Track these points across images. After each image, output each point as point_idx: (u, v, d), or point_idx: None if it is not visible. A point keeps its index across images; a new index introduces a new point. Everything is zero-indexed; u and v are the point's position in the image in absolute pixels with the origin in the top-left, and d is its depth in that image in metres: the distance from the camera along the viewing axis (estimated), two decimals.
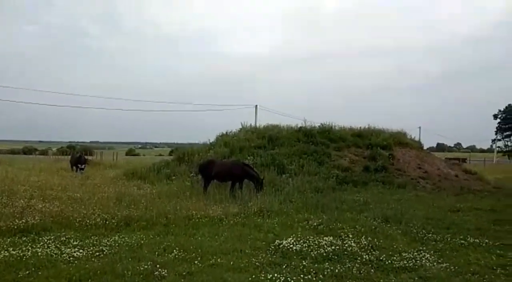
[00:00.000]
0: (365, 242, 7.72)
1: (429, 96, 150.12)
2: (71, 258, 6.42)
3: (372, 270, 6.30)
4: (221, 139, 21.50)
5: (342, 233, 8.51)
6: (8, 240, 7.49)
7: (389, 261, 6.65)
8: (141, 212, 9.83)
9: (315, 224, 9.51)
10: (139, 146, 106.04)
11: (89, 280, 5.53)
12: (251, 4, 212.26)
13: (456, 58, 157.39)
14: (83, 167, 21.36)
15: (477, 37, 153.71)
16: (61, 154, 43.67)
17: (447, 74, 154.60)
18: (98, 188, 14.07)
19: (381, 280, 5.89)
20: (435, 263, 6.69)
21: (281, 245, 7.37)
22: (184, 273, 5.87)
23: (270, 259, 6.71)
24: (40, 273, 5.75)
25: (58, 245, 7.15)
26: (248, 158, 17.97)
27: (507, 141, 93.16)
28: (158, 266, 6.02)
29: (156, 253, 6.86)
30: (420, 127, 55.36)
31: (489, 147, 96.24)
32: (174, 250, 6.90)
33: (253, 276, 5.77)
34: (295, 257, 6.85)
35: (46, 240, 7.43)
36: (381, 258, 6.82)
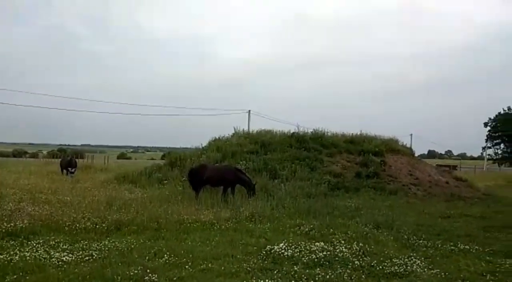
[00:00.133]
0: (356, 248, 7.73)
1: (421, 103, 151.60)
2: (60, 263, 6.34)
3: (363, 276, 6.32)
4: (214, 144, 21.47)
5: (333, 239, 8.52)
6: None
7: (380, 267, 6.67)
8: (132, 216, 9.74)
9: (306, 229, 9.51)
10: (131, 149, 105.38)
11: None
12: (244, 9, 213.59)
13: (449, 66, 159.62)
14: (73, 170, 21.15)
15: (469, 45, 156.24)
16: (52, 157, 43.20)
17: (439, 82, 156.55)
18: (88, 192, 13.94)
19: None
20: (425, 269, 6.73)
21: (272, 251, 7.35)
22: (174, 278, 5.83)
23: (261, 264, 6.69)
24: (28, 277, 5.67)
25: (47, 249, 7.06)
26: (241, 162, 17.95)
27: (497, 149, 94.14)
28: (148, 271, 5.96)
29: (147, 257, 6.80)
30: (411, 135, 55.84)
31: (479, 154, 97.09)
32: (165, 255, 6.85)
33: None
34: (286, 262, 6.84)
35: (34, 244, 7.33)
36: (372, 264, 6.84)
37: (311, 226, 9.77)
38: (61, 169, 22.45)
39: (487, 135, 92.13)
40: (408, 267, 6.71)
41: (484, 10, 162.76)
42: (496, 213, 13.81)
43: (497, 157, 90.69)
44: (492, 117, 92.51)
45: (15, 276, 5.66)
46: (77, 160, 24.71)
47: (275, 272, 6.27)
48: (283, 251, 7.32)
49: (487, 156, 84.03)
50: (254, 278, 5.96)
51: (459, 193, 18.44)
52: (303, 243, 7.95)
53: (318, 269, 6.49)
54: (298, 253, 7.24)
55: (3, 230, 8.06)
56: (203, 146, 21.90)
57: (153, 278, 5.73)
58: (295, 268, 6.46)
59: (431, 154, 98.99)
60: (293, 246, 7.62)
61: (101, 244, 7.52)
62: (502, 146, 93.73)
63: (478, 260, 7.47)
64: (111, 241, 7.78)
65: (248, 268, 6.41)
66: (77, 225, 8.78)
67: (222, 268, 6.34)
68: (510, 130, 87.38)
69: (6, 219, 8.80)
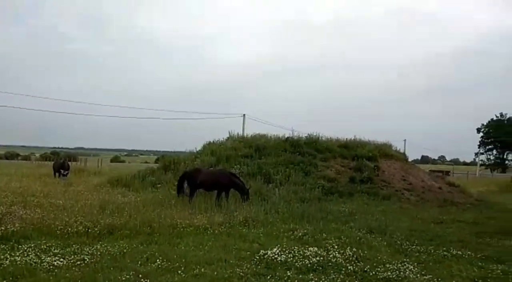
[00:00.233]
0: (349, 253, 7.74)
1: (415, 109, 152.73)
2: (51, 267, 6.27)
3: (356, 281, 6.32)
4: (208, 147, 21.42)
5: (327, 244, 8.53)
6: None
7: (373, 272, 6.67)
8: (125, 220, 9.68)
9: (300, 234, 9.50)
10: (125, 153, 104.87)
11: None
12: (240, 13, 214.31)
13: (443, 73, 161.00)
14: (66, 172, 21.00)
15: (463, 52, 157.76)
16: (45, 159, 42.94)
17: (433, 88, 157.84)
18: (81, 195, 13.84)
19: None
20: (418, 275, 6.74)
21: (266, 255, 7.34)
22: None
23: (254, 269, 6.67)
24: None
25: (38, 253, 6.98)
26: (235, 166, 17.93)
27: (490, 155, 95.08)
28: (140, 276, 5.91)
29: (139, 262, 6.76)
30: (405, 140, 56.01)
31: (472, 160, 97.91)
32: (158, 260, 6.80)
33: None
34: (279, 267, 6.82)
35: (25, 248, 7.24)
36: (365, 269, 6.85)
37: (305, 231, 9.77)
38: (53, 172, 22.29)
39: (479, 141, 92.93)
40: (401, 273, 6.72)
41: (478, 17, 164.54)
42: (488, 219, 13.91)
43: (490, 162, 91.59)
44: (485, 123, 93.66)
45: (5, 281, 5.59)
46: (70, 163, 24.54)
47: (268, 277, 6.26)
48: (276, 256, 7.31)
49: (480, 162, 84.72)
50: None
51: (452, 199, 18.53)
52: (296, 248, 7.94)
53: (311, 274, 6.49)
54: (291, 258, 7.23)
55: None
56: (198, 149, 21.86)
57: None
58: (288, 274, 6.45)
59: (425, 159, 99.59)
60: (286, 251, 7.61)
61: (93, 248, 7.46)
62: (494, 151, 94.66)
63: (470, 266, 7.50)
64: (103, 246, 7.71)
65: (241, 273, 6.38)
66: (69, 229, 8.70)
67: (215, 273, 6.32)
68: (502, 136, 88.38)
69: None
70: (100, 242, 8.06)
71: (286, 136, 22.55)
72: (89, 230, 8.76)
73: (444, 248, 8.74)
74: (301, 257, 7.33)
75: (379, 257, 7.68)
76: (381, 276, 6.53)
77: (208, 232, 9.53)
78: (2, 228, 8.27)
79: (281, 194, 15.22)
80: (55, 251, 7.25)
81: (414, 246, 8.91)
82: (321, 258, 7.30)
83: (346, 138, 23.61)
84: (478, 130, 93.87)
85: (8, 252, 6.99)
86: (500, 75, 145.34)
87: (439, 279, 6.54)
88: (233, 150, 20.19)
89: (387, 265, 7.11)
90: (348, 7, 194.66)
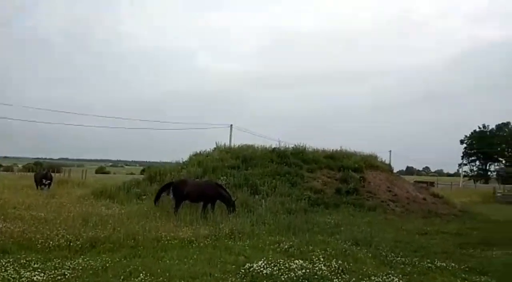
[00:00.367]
0: (335, 265, 7.73)
1: (400, 120, 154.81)
2: None
3: None
4: (195, 158, 21.32)
5: (313, 256, 8.49)
6: None
7: None
8: (108, 233, 9.50)
9: (286, 246, 9.46)
10: (110, 163, 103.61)
11: None
12: (228, 24, 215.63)
13: (427, 84, 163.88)
14: (48, 182, 20.61)
15: (446, 64, 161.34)
16: (28, 170, 42.10)
17: (416, 100, 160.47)
18: (64, 207, 13.55)
19: None
20: None
21: (251, 269, 7.28)
22: None
23: None
24: None
25: (17, 268, 6.78)
26: (221, 178, 17.85)
27: (473, 166, 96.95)
28: None
29: (122, 277, 6.62)
30: (390, 151, 56.68)
31: (455, 171, 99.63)
32: (141, 274, 6.67)
33: None
34: (265, 281, 6.78)
35: (4, 263, 7.02)
36: None
37: (291, 243, 9.74)
38: (36, 184, 21.84)
39: (463, 153, 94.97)
40: None
41: (463, 28, 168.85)
42: (471, 229, 14.09)
43: (473, 173, 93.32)
44: (468, 135, 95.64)
45: None
46: (52, 174, 24.11)
47: None
48: (262, 269, 7.25)
49: (463, 173, 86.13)
50: None
51: (436, 210, 18.75)
52: (282, 260, 7.89)
53: None
54: (277, 271, 7.18)
55: None
56: (184, 160, 21.72)
57: None
58: None
59: (409, 170, 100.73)
60: (272, 264, 7.56)
61: (75, 263, 7.29)
62: (477, 162, 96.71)
63: (454, 278, 7.58)
64: (85, 260, 7.54)
65: None
66: (50, 243, 8.49)
67: None
68: (485, 147, 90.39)
69: None
70: (82, 256, 7.89)
71: (273, 147, 22.63)
72: (71, 244, 8.57)
73: (429, 260, 8.79)
74: (287, 270, 7.28)
75: (364, 269, 7.68)
76: None
77: (193, 244, 9.42)
78: None
79: (268, 206, 15.18)
80: (35, 265, 7.06)
81: (399, 258, 8.94)
82: (307, 270, 7.27)
83: (332, 150, 23.78)
84: (462, 141, 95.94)
85: None
86: (484, 88, 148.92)
87: None
88: (220, 160, 20.14)
89: (373, 278, 7.12)
90: (334, 19, 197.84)
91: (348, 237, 10.92)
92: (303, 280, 6.84)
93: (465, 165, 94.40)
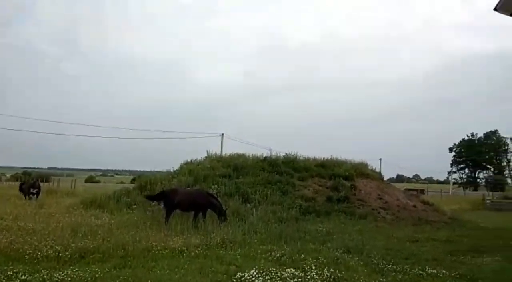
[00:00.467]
0: (327, 274, 7.72)
1: (390, 129, 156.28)
2: None
3: None
4: (186, 167, 21.21)
5: (304, 265, 8.47)
6: None
7: None
8: (98, 244, 9.38)
9: (278, 255, 9.43)
10: (100, 173, 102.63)
11: None
12: (218, 33, 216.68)
13: (416, 94, 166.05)
14: (35, 191, 20.32)
15: (434, 74, 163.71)
16: (16, 180, 41.54)
17: (407, 109, 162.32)
18: (52, 217, 13.36)
19: None
20: None
21: (243, 278, 7.24)
22: None
23: None
24: None
25: (3, 280, 6.66)
26: (213, 186, 17.79)
27: (462, 173, 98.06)
28: None
29: None
30: (381, 159, 57.14)
31: (445, 178, 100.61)
32: None
33: None
34: None
35: None
36: None
37: (283, 252, 9.70)
38: (23, 194, 21.52)
39: (452, 160, 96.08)
40: None
41: (449, 40, 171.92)
42: (461, 236, 14.20)
43: (462, 181, 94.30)
44: (457, 143, 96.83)
45: None
46: (41, 184, 23.81)
47: None
48: (253, 278, 7.21)
49: (453, 180, 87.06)
50: None
51: (426, 217, 18.87)
52: (274, 269, 7.86)
53: None
54: (268, 280, 7.15)
55: None
56: (175, 169, 21.61)
57: None
58: None
59: (400, 178, 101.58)
60: (263, 273, 7.52)
61: (63, 274, 7.17)
62: (466, 170, 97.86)
63: None
64: (74, 270, 7.42)
65: None
66: (39, 253, 8.35)
67: None
68: (474, 155, 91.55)
69: None
70: (71, 267, 7.76)
71: (264, 155, 22.65)
72: (60, 254, 8.43)
73: (420, 267, 8.83)
74: (279, 279, 7.26)
75: (356, 278, 7.68)
76: None
77: (184, 254, 9.33)
78: None
79: (259, 214, 15.14)
80: (22, 277, 6.92)
81: (390, 265, 8.96)
82: (299, 279, 7.25)
83: (323, 158, 23.89)
84: (451, 149, 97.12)
85: None
86: (472, 97, 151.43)
87: None
88: (211, 169, 20.08)
89: None
90: (323, 30, 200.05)
91: (339, 245, 10.93)
92: None
93: (455, 172, 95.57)
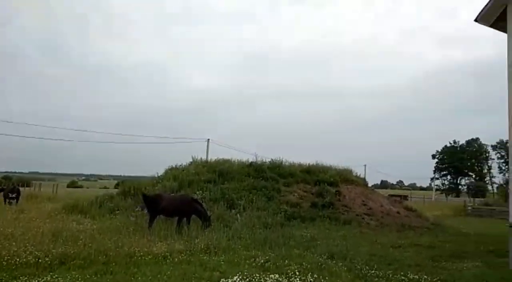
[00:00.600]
0: (311, 279, 7.73)
1: (374, 135, 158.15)
2: None
3: None
4: (170, 172, 21.05)
5: (289, 270, 8.46)
6: None
7: None
8: (79, 249, 9.20)
9: (262, 261, 9.39)
10: (83, 177, 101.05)
11: None
12: (203, 39, 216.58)
13: (400, 101, 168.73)
14: (13, 196, 19.89)
15: (417, 83, 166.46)
16: None
17: (391, 116, 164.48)
18: (33, 223, 13.06)
19: None
20: None
21: None
22: None
23: None
24: None
25: None
26: (197, 192, 17.68)
27: (444, 180, 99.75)
28: None
29: None
30: (365, 165, 57.68)
31: (428, 185, 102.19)
32: None
33: None
34: None
35: None
36: None
37: (267, 257, 9.68)
38: (4, 199, 21.02)
39: (434, 167, 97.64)
40: None
41: (433, 51, 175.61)
42: (443, 242, 14.40)
43: (444, 187, 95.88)
44: (439, 150, 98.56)
45: None
46: (21, 188, 23.31)
47: None
48: None
49: (435, 187, 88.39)
50: None
51: (409, 223, 19.09)
52: (257, 275, 7.83)
53: None
54: None
55: None
56: (159, 174, 21.42)
57: None
58: None
59: (384, 184, 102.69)
60: (247, 279, 7.49)
61: (43, 280, 7.02)
62: (448, 177, 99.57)
63: None
64: (54, 277, 7.27)
65: None
66: (17, 260, 8.13)
67: None
68: (456, 162, 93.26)
69: None
70: (51, 273, 7.60)
71: (250, 161, 22.65)
72: (40, 260, 8.24)
73: (402, 273, 8.91)
74: None
75: None
76: None
77: (168, 260, 9.22)
78: None
79: (244, 220, 15.10)
80: None
81: (373, 271, 9.02)
82: None
83: (308, 164, 24.04)
84: (433, 156, 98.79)
85: None
86: (453, 105, 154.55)
87: None
88: (196, 174, 19.96)
89: None
90: (310, 39, 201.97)
91: (323, 250, 10.96)
92: None
93: (437, 179, 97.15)
